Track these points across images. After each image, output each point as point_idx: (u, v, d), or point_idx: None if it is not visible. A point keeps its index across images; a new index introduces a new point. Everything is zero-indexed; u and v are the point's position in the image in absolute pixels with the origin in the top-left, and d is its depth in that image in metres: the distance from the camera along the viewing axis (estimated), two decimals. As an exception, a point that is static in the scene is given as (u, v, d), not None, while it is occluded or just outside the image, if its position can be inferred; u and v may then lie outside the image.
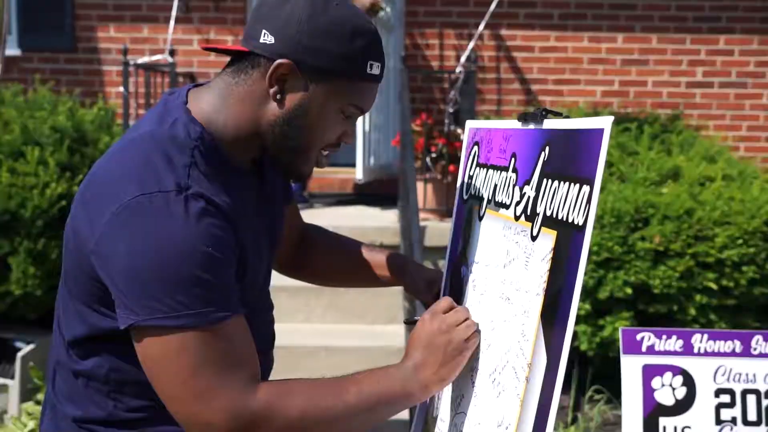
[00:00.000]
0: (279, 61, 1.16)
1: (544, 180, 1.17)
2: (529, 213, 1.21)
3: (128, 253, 1.07)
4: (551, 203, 1.14)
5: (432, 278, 1.53)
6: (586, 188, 1.05)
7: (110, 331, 1.14)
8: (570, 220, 1.07)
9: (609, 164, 4.30)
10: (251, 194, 1.27)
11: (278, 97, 1.19)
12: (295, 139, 1.22)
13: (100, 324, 1.17)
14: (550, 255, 1.10)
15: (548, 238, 1.12)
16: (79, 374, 1.22)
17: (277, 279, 1.52)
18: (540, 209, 1.17)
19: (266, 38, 1.17)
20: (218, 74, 1.25)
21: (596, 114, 5.37)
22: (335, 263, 1.65)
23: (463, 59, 5.56)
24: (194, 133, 1.18)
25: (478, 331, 1.27)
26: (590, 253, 3.71)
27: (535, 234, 1.17)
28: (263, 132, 1.22)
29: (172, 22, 5.34)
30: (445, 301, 1.29)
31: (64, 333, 1.23)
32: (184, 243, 1.06)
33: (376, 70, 1.21)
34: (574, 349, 3.87)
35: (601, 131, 1.03)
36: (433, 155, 5.07)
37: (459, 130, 5.08)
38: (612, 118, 1.03)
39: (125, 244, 1.07)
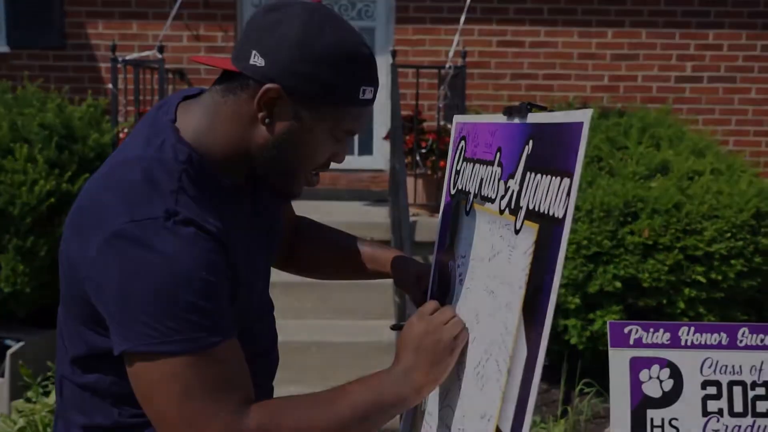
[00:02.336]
0: (268, 86, 1.13)
1: (528, 173, 1.18)
2: (513, 207, 1.21)
3: (119, 280, 1.06)
4: (534, 197, 1.14)
5: (421, 272, 1.53)
6: (566, 181, 1.05)
7: (108, 350, 1.14)
8: (551, 214, 1.08)
9: (598, 158, 4.30)
10: (244, 209, 1.26)
11: (267, 121, 1.16)
12: (284, 163, 1.20)
13: (97, 343, 1.17)
14: (532, 248, 1.11)
15: (530, 231, 1.13)
16: (84, 387, 1.23)
17: (264, 274, 1.52)
18: (523, 203, 1.17)
19: (256, 60, 1.13)
20: (209, 89, 1.23)
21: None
22: (326, 255, 1.64)
23: (452, 54, 5.56)
24: (182, 155, 1.15)
25: (465, 329, 1.27)
26: (579, 247, 3.72)
27: (518, 228, 1.17)
28: (252, 154, 1.19)
29: (155, 19, 5.32)
30: (431, 304, 1.29)
31: (67, 348, 1.24)
32: (175, 269, 1.05)
33: (369, 95, 1.18)
34: (564, 343, 3.88)
35: (580, 125, 1.03)
36: (423, 151, 5.07)
37: (449, 126, 5.08)
38: (591, 111, 1.03)
39: (115, 271, 1.06)
